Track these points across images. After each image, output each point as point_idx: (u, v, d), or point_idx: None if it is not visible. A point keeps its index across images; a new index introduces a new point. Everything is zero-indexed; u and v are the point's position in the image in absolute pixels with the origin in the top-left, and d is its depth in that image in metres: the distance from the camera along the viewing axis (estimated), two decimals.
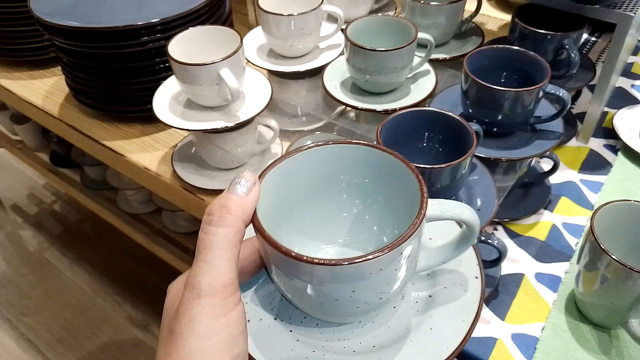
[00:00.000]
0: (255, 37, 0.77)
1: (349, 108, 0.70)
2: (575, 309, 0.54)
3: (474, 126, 0.55)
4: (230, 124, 0.61)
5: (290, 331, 0.31)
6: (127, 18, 0.71)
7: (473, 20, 0.81)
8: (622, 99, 0.80)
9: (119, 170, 0.80)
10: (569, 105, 0.57)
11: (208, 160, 0.68)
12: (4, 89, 0.90)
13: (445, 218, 0.29)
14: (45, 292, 1.48)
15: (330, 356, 0.29)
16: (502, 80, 0.61)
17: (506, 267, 0.58)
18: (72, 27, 0.70)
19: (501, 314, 0.54)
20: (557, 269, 0.58)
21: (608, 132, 0.75)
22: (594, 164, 0.70)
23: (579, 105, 0.79)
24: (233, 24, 0.85)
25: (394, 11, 0.90)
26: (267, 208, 0.30)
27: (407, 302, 0.32)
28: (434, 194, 0.45)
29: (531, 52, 0.59)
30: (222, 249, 0.27)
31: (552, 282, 0.57)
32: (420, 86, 0.67)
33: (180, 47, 0.62)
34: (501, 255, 0.49)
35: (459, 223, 0.33)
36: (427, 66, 0.69)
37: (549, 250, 0.60)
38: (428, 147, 0.53)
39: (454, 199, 0.51)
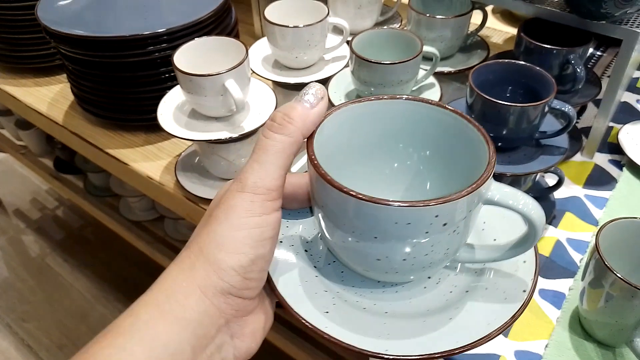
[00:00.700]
0: (261, 48, 0.78)
1: None
2: (580, 327, 0.54)
3: None
4: (235, 135, 0.61)
5: (316, 276, 0.31)
6: (133, 27, 0.71)
7: (478, 33, 0.81)
8: (627, 114, 0.80)
9: (122, 178, 0.80)
10: (575, 121, 0.57)
11: (211, 170, 0.68)
12: (10, 96, 0.91)
13: (507, 206, 0.27)
14: (46, 297, 1.48)
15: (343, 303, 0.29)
16: (508, 95, 0.61)
17: None
18: (79, 35, 0.70)
19: (505, 330, 0.54)
20: (561, 285, 0.58)
21: (613, 148, 0.74)
22: (599, 179, 0.70)
23: (584, 119, 0.79)
24: (239, 35, 0.85)
25: (400, 24, 0.90)
26: (323, 150, 0.29)
27: (441, 289, 0.31)
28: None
29: (537, 67, 0.59)
30: (275, 155, 0.28)
31: (556, 298, 0.57)
32: None
33: (186, 57, 0.62)
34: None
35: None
36: (432, 79, 0.69)
37: (553, 266, 0.60)
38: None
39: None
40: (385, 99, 0.31)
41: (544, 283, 0.58)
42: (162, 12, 0.78)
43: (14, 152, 1.42)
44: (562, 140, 0.60)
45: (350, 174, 0.33)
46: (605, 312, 0.49)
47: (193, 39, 0.65)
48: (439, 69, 0.76)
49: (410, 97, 0.31)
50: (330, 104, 0.67)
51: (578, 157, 0.73)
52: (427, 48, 0.64)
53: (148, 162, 0.74)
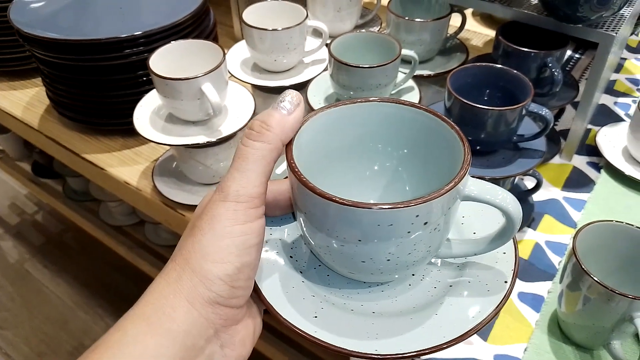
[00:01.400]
0: (240, 51, 0.77)
1: None
2: (558, 330, 0.54)
3: None
4: (212, 139, 0.61)
5: (303, 281, 0.31)
6: (110, 30, 0.70)
7: (458, 36, 0.82)
8: (605, 116, 0.81)
9: (99, 183, 0.79)
10: (552, 124, 0.57)
11: (189, 175, 0.67)
12: None
13: (485, 201, 0.28)
14: (24, 304, 1.45)
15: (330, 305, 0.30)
16: (486, 98, 0.61)
17: None
18: (53, 39, 0.69)
19: (484, 334, 0.54)
20: (540, 288, 0.58)
21: (591, 150, 0.75)
22: (577, 181, 0.70)
23: (563, 122, 0.79)
24: (218, 37, 0.84)
25: (379, 27, 0.90)
26: (302, 156, 0.30)
27: (425, 285, 0.31)
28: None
29: (514, 71, 0.59)
30: (256, 162, 0.28)
31: (535, 301, 0.57)
32: None
33: (163, 60, 0.62)
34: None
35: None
36: (411, 82, 0.69)
37: (531, 269, 0.60)
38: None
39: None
40: (360, 102, 0.32)
41: (523, 286, 0.58)
42: (140, 15, 0.77)
43: None
44: (540, 144, 0.60)
45: (331, 178, 0.33)
46: (582, 315, 0.49)
47: (170, 41, 0.64)
48: (418, 72, 0.76)
49: (385, 98, 0.32)
50: (310, 108, 0.66)
51: (557, 160, 0.73)
52: (405, 51, 0.64)
53: (125, 167, 0.73)
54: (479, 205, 0.29)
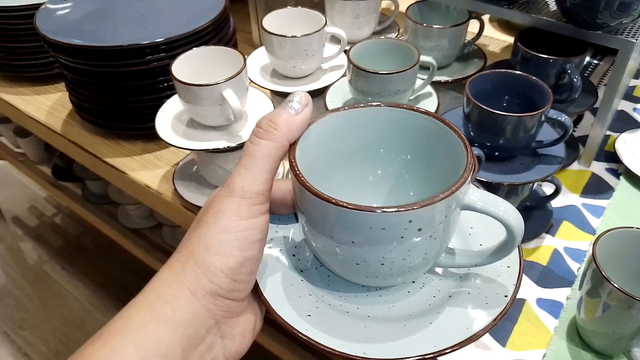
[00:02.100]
0: (259, 57, 0.78)
1: None
2: (577, 336, 0.54)
3: (475, 151, 0.55)
4: (233, 144, 0.61)
5: (302, 280, 0.31)
6: (132, 37, 0.71)
7: (475, 42, 0.82)
8: (624, 122, 0.80)
9: (120, 187, 0.80)
10: (571, 130, 0.57)
11: (209, 179, 0.68)
12: (8, 104, 0.91)
13: (485, 212, 0.27)
14: (43, 305, 1.48)
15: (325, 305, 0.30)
16: (504, 105, 0.61)
17: None
18: (77, 45, 0.71)
19: (502, 340, 0.54)
20: (558, 294, 0.58)
21: (610, 156, 0.74)
22: (596, 188, 0.70)
23: (581, 128, 0.79)
24: (237, 44, 0.85)
25: (397, 33, 0.90)
26: (307, 158, 0.30)
27: (424, 293, 0.31)
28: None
29: (533, 77, 0.59)
30: (262, 160, 0.28)
31: (553, 307, 0.57)
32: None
33: (184, 67, 0.63)
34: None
35: None
36: (429, 88, 0.69)
37: (550, 275, 0.60)
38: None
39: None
40: (365, 106, 0.32)
41: (541, 292, 0.58)
42: (161, 22, 0.78)
43: (13, 160, 1.43)
44: (559, 150, 0.60)
45: (335, 180, 0.33)
46: (602, 321, 0.49)
47: (191, 48, 0.65)
48: (436, 78, 0.76)
49: (390, 103, 0.32)
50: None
51: (575, 166, 0.73)
52: (424, 58, 0.64)
53: (146, 170, 0.74)
54: (487, 217, 0.28)
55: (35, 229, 1.68)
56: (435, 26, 0.75)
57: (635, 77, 0.91)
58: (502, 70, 0.61)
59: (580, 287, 0.51)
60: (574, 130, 0.78)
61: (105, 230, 1.26)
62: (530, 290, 0.58)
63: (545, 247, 0.63)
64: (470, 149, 0.28)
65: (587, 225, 0.65)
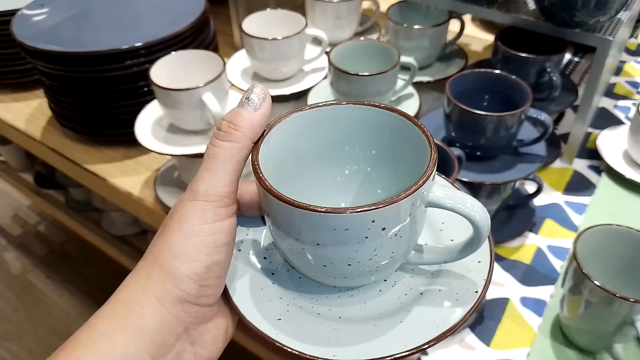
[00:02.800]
0: (240, 60, 0.77)
1: None
2: (561, 334, 0.54)
3: (456, 151, 0.55)
4: None
5: (273, 283, 0.31)
6: (111, 42, 0.71)
7: (457, 42, 0.82)
8: (605, 119, 0.81)
9: (101, 194, 0.79)
10: (551, 129, 0.58)
11: None
12: None
13: (451, 208, 0.27)
14: (28, 315, 1.45)
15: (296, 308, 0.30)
16: (485, 104, 0.61)
17: (491, 292, 0.58)
18: (55, 51, 0.70)
19: (486, 339, 0.54)
20: (542, 292, 0.58)
21: (592, 153, 0.75)
22: (578, 185, 0.71)
23: (563, 126, 0.80)
24: (218, 46, 0.85)
25: (379, 34, 0.90)
26: (273, 159, 0.30)
27: (396, 291, 0.31)
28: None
29: (513, 76, 0.59)
30: (224, 161, 0.28)
31: (537, 306, 0.57)
32: (404, 109, 0.67)
33: (163, 71, 0.62)
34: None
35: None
36: (410, 89, 0.69)
37: (534, 273, 0.60)
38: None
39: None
40: (330, 104, 0.31)
41: (525, 291, 0.58)
42: (140, 26, 0.77)
43: None
44: (540, 148, 0.60)
45: (303, 181, 0.33)
46: (584, 319, 0.49)
47: (171, 52, 0.64)
48: (418, 79, 0.76)
49: (355, 101, 0.31)
50: None
51: (557, 164, 0.73)
52: (404, 58, 0.64)
53: (127, 177, 0.73)
54: None
55: (18, 238, 1.65)
56: (415, 26, 0.75)
57: (616, 74, 0.92)
58: (482, 69, 0.61)
59: (562, 285, 0.51)
60: (555, 128, 0.78)
61: (90, 237, 1.25)
62: (514, 289, 0.58)
63: (528, 246, 0.63)
64: (434, 144, 0.28)
65: (570, 223, 0.66)
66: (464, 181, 0.57)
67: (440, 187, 0.28)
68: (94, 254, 1.43)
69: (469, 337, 0.54)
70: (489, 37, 0.98)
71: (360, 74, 0.61)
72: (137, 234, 1.21)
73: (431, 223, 0.33)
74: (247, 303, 0.30)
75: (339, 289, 0.31)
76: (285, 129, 0.31)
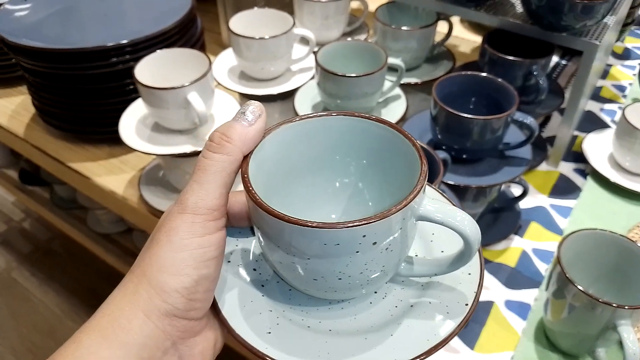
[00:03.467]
0: (227, 58, 0.77)
1: None
2: (545, 338, 0.54)
3: (441, 154, 0.55)
4: (198, 148, 0.60)
5: (262, 295, 0.31)
6: (96, 38, 0.70)
7: (445, 44, 0.82)
8: (591, 122, 0.81)
9: (85, 192, 0.78)
10: (537, 133, 0.58)
11: (176, 184, 0.67)
12: None
13: (441, 222, 0.27)
14: (11, 313, 1.44)
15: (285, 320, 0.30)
16: (472, 107, 0.61)
17: None
18: (39, 48, 0.69)
19: (470, 343, 0.54)
20: (526, 295, 0.58)
21: (578, 156, 0.75)
22: (564, 188, 0.71)
23: (549, 128, 0.80)
24: (205, 45, 0.84)
25: (367, 34, 0.90)
26: (263, 171, 0.29)
27: (387, 303, 0.30)
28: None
29: (499, 79, 0.59)
30: (215, 174, 0.27)
31: (521, 309, 0.57)
32: (392, 111, 0.67)
33: (148, 69, 0.61)
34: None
35: None
36: (398, 91, 0.69)
37: (518, 276, 0.60)
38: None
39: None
40: (320, 116, 0.31)
41: (509, 294, 0.58)
42: (126, 22, 0.76)
43: None
44: (526, 152, 0.60)
45: (293, 193, 0.33)
46: (568, 322, 0.49)
47: (157, 49, 0.64)
48: (405, 80, 0.76)
49: (344, 112, 0.31)
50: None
51: (543, 167, 0.74)
52: (392, 60, 0.64)
53: (111, 175, 0.73)
54: None
55: (2, 235, 1.63)
56: (404, 28, 0.74)
57: (602, 77, 0.92)
58: (469, 72, 0.61)
59: (547, 289, 0.52)
60: (541, 131, 0.79)
61: (75, 235, 1.24)
62: (498, 293, 0.58)
63: (513, 249, 0.63)
64: (424, 157, 0.28)
65: (555, 226, 0.66)
66: (450, 184, 0.57)
67: (430, 201, 0.28)
68: (79, 251, 1.42)
69: (454, 340, 0.54)
70: (477, 39, 0.98)
71: (347, 75, 0.60)
72: (122, 232, 1.19)
73: (421, 234, 0.33)
74: (237, 316, 0.29)
75: (330, 301, 0.31)
76: (275, 140, 0.30)
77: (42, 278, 1.51)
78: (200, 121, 0.60)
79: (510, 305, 0.57)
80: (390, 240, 0.27)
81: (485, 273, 0.60)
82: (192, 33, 0.78)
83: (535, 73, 0.66)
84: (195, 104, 0.58)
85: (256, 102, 0.29)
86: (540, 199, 0.69)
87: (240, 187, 0.28)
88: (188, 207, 0.27)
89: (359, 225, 0.25)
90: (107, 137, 0.76)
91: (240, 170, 0.28)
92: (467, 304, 0.29)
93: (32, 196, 1.31)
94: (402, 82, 0.69)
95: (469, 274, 0.31)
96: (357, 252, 0.26)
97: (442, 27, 0.79)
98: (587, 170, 0.73)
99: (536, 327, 0.55)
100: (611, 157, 0.73)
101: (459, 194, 0.57)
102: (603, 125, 0.80)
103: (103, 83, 0.71)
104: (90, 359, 0.25)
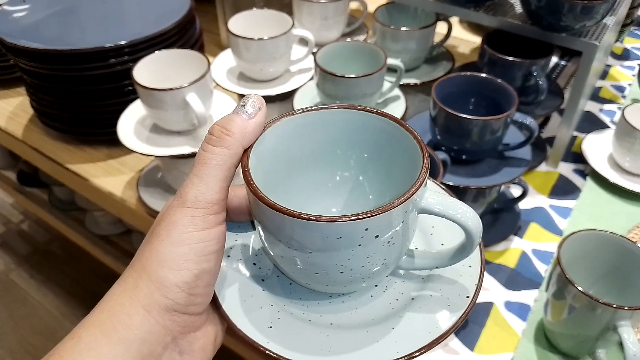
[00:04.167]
0: (226, 59, 0.76)
1: None
2: (544, 339, 0.54)
3: (441, 155, 0.55)
4: (197, 150, 0.60)
5: (263, 290, 0.30)
6: (95, 39, 0.70)
7: (444, 44, 0.82)
8: (591, 123, 0.81)
9: (83, 194, 0.78)
10: (537, 133, 0.58)
11: (175, 185, 0.66)
12: None
13: (443, 215, 0.27)
14: (10, 315, 1.43)
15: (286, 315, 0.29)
16: (471, 107, 0.61)
17: None
18: (37, 49, 0.68)
19: (470, 344, 0.54)
20: (526, 296, 0.58)
21: (577, 157, 0.75)
22: (563, 189, 0.71)
23: (549, 129, 0.80)
24: (204, 45, 0.84)
25: (366, 35, 0.90)
26: (264, 164, 0.29)
27: (388, 297, 0.30)
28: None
29: (499, 80, 0.59)
30: (215, 168, 0.27)
31: (521, 310, 0.57)
32: (391, 112, 0.67)
33: (147, 70, 0.61)
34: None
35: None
36: (397, 91, 0.69)
37: (518, 277, 0.60)
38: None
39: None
40: (321, 108, 0.31)
41: (509, 295, 0.58)
42: (124, 24, 0.76)
43: None
44: (525, 152, 0.60)
45: (295, 186, 0.32)
46: (568, 323, 0.49)
47: (156, 50, 0.63)
48: (404, 81, 0.76)
49: (346, 105, 0.31)
50: None
51: (543, 167, 0.74)
52: (391, 60, 0.64)
53: (110, 177, 0.72)
54: None
55: (1, 236, 1.63)
56: (403, 28, 0.74)
57: (601, 78, 0.92)
58: (468, 73, 0.60)
59: (546, 290, 0.51)
60: (541, 132, 0.79)
61: (73, 237, 1.23)
62: (498, 294, 0.58)
63: (513, 250, 0.63)
64: (426, 150, 0.28)
65: (555, 227, 0.66)
66: (450, 185, 0.56)
67: (432, 194, 0.28)
68: (78, 253, 1.41)
69: (453, 341, 0.54)
70: (477, 39, 0.98)
71: (346, 75, 0.60)
72: (121, 233, 1.19)
73: (422, 227, 0.33)
74: (237, 311, 0.29)
75: (330, 294, 0.31)
76: (276, 133, 0.30)
77: (41, 280, 1.51)
78: (199, 122, 0.60)
79: (510, 306, 0.57)
80: (392, 233, 0.26)
81: (485, 274, 0.60)
82: (190, 34, 0.78)
83: (534, 74, 0.65)
84: (194, 105, 0.58)
85: (256, 95, 0.29)
86: (540, 200, 0.69)
87: (238, 180, 0.28)
88: (188, 201, 0.27)
89: (362, 218, 0.25)
90: (106, 139, 0.76)
91: (240, 163, 0.28)
92: (468, 297, 0.29)
93: (30, 198, 1.31)
94: (401, 82, 0.69)
95: (470, 266, 0.31)
96: (359, 245, 0.26)
97: (441, 27, 0.79)
98: (587, 171, 0.73)
99: (536, 328, 0.55)
100: (611, 157, 0.73)
101: (459, 194, 0.57)
102: (602, 126, 0.80)
103: (101, 84, 0.71)
104: (90, 354, 0.25)
